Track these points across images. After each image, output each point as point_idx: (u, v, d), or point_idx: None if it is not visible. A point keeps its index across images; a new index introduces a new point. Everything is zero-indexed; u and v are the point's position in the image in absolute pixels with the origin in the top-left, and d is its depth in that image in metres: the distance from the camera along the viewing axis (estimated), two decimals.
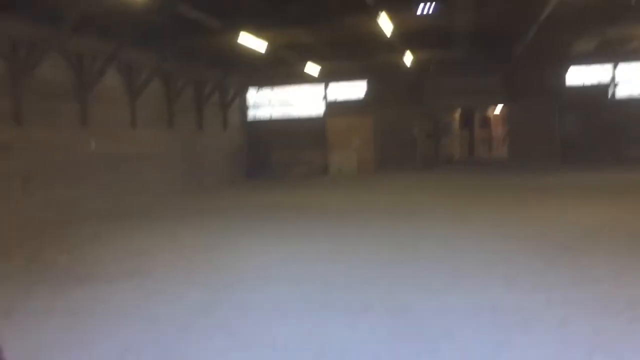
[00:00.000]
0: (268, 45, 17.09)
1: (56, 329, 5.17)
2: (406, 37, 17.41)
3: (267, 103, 26.55)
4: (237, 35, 15.49)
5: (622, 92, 23.56)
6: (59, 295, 6.26)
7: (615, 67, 23.51)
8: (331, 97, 25.82)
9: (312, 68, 23.26)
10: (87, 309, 5.75)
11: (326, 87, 25.73)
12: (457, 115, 33.15)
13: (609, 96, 23.57)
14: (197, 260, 7.89)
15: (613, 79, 23.61)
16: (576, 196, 13.54)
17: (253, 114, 26.57)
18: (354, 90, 25.65)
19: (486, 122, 39.54)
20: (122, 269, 7.51)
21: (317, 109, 26.01)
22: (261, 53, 17.30)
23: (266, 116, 26.48)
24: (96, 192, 14.88)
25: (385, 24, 14.76)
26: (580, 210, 11.17)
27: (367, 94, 25.34)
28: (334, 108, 25.66)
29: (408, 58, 21.30)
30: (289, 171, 24.13)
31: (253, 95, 26.52)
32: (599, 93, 23.54)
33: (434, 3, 14.57)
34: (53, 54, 13.40)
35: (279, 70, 23.57)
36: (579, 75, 23.83)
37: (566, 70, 23.75)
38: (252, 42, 16.13)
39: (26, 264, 8.12)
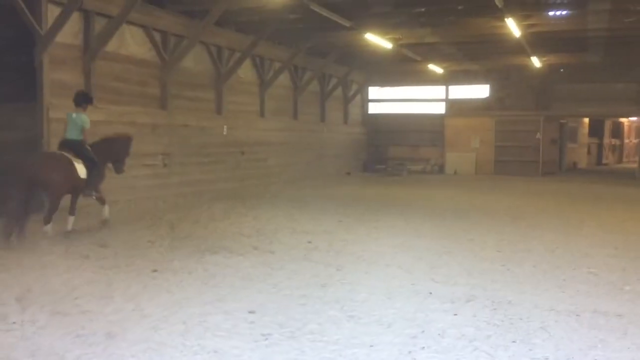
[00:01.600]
0: (393, 45, 17.59)
1: (194, 287, 6.03)
2: (535, 40, 17.14)
3: (387, 99, 27.01)
4: (364, 34, 16.13)
5: None
6: (196, 261, 7.20)
7: None
8: (452, 96, 25.73)
9: (434, 69, 23.43)
10: (219, 274, 6.60)
11: (447, 89, 25.69)
12: (585, 120, 31.67)
13: None
14: (315, 242, 8.58)
15: None
16: None
17: (373, 109, 27.12)
18: (476, 90, 25.39)
19: (618, 129, 37.37)
20: (248, 243, 8.39)
21: (437, 107, 26.04)
22: (385, 51, 17.78)
23: (386, 112, 26.92)
24: (225, 173, 16.16)
25: (513, 26, 14.70)
26: None
27: (489, 94, 25.01)
28: (454, 107, 25.57)
29: (536, 61, 20.87)
30: (405, 167, 24.41)
31: (374, 92, 27.06)
32: None
33: (565, 7, 14.28)
34: (196, 46, 14.70)
35: (402, 69, 23.94)
36: None
37: None
38: (378, 40, 16.69)
39: (167, 232, 9.23)
